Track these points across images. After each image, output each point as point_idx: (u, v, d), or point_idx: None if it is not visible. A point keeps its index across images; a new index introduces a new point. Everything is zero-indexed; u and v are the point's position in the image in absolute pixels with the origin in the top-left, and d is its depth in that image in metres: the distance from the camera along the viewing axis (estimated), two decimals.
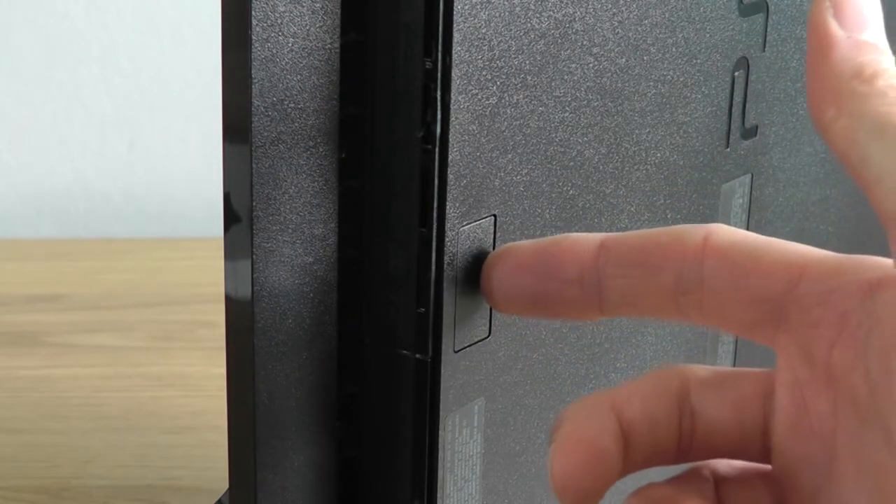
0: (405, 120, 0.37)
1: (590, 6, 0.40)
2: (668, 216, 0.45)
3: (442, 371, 0.38)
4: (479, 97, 0.37)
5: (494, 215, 0.39)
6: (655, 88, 0.43)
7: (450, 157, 0.37)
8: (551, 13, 0.39)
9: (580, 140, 0.41)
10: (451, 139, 0.37)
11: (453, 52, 0.36)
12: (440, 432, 0.39)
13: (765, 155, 0.49)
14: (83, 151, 1.03)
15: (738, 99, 0.47)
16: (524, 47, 0.38)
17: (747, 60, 0.47)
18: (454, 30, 0.36)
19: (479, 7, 0.37)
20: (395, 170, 0.37)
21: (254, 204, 0.35)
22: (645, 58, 0.43)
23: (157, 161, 1.03)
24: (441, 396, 0.39)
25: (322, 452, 0.39)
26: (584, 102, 0.41)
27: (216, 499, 0.56)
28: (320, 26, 0.36)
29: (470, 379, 0.39)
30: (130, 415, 0.75)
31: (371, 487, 0.40)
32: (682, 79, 0.44)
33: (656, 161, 0.44)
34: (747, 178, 0.48)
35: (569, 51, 0.40)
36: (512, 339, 0.41)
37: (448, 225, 0.37)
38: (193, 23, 1.01)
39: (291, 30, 0.35)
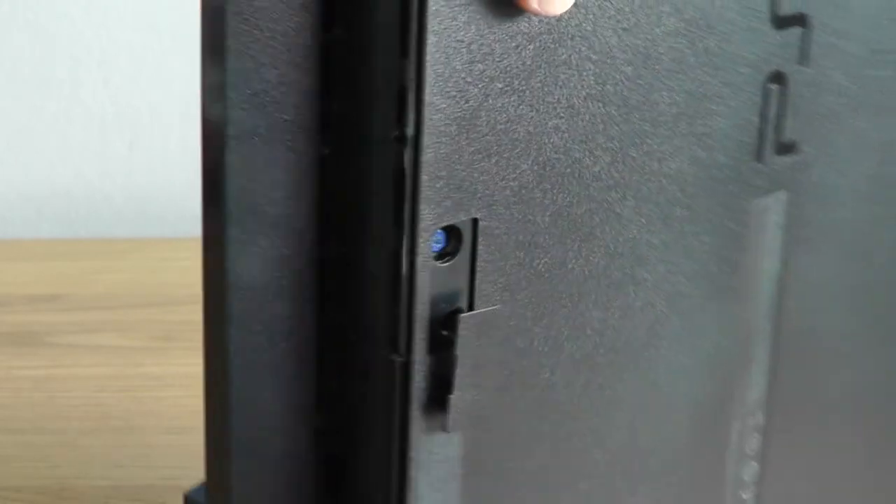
0: (382, 119, 0.37)
1: (588, 12, 0.40)
2: (687, 228, 0.45)
3: (414, 372, 0.38)
4: (458, 99, 0.37)
5: (476, 219, 0.39)
6: (670, 98, 0.43)
7: (423, 158, 0.37)
8: (543, 16, 0.39)
9: (578, 147, 0.41)
10: (424, 141, 0.37)
11: (427, 53, 0.36)
12: (412, 433, 0.39)
13: (805, 172, 0.47)
14: (83, 151, 1.03)
15: (771, 113, 0.46)
16: (511, 50, 0.38)
17: (783, 74, 0.45)
18: (428, 31, 0.36)
19: (457, 9, 0.36)
20: (373, 168, 0.38)
21: (227, 194, 0.36)
22: (657, 67, 0.42)
23: (157, 161, 1.03)
24: (413, 397, 0.39)
25: (300, 445, 0.39)
26: (583, 109, 0.40)
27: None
28: (301, 22, 0.36)
29: (445, 381, 0.39)
30: (130, 415, 0.75)
31: (348, 483, 0.41)
32: (701, 90, 0.43)
33: (671, 172, 0.43)
34: (783, 194, 0.47)
35: (564, 55, 0.39)
36: (495, 342, 0.40)
37: (421, 226, 0.37)
38: (194, 23, 1.00)
39: (270, 25, 0.35)
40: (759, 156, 0.45)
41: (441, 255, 0.39)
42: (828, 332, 0.50)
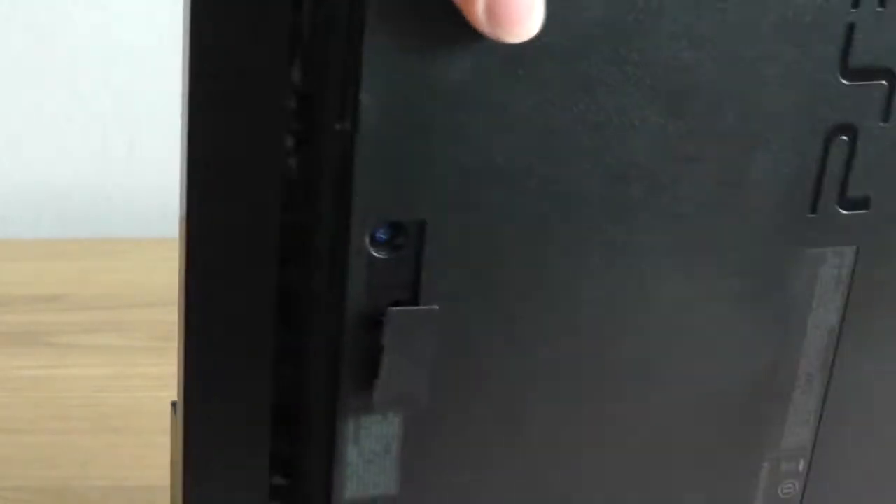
0: (330, 111, 0.38)
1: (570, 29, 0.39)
2: (709, 268, 0.44)
3: (344, 352, 0.40)
4: (399, 101, 0.38)
5: (423, 219, 0.39)
6: (680, 131, 0.42)
7: (358, 154, 0.38)
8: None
9: (555, 161, 0.41)
10: (358, 137, 0.38)
11: (364, 52, 0.37)
12: (338, 406, 0.41)
13: (878, 229, 0.45)
14: (83, 151, 1.03)
15: (834, 166, 0.44)
16: (462, 61, 0.38)
17: (855, 127, 0.43)
18: (366, 30, 0.37)
19: (401, 11, 0.37)
20: (324, 159, 0.39)
21: (189, 159, 0.38)
22: (685, 105, 0.41)
23: (156, 161, 1.03)
24: (342, 374, 0.40)
25: (255, 392, 0.41)
26: (563, 133, 0.40)
27: None
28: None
29: (373, 365, 0.40)
30: (130, 415, 0.75)
31: (295, 439, 0.42)
32: (739, 132, 0.42)
33: (686, 207, 0.43)
34: (849, 250, 0.45)
35: (533, 73, 0.39)
36: (430, 338, 0.41)
37: (356, 217, 0.38)
38: None
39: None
40: (814, 207, 0.44)
41: (385, 248, 0.40)
42: (885, 390, 0.48)
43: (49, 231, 1.04)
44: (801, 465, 0.48)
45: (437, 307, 0.40)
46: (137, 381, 0.79)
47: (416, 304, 0.40)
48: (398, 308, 0.40)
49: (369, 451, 0.42)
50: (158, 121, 1.02)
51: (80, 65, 1.01)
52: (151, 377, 0.79)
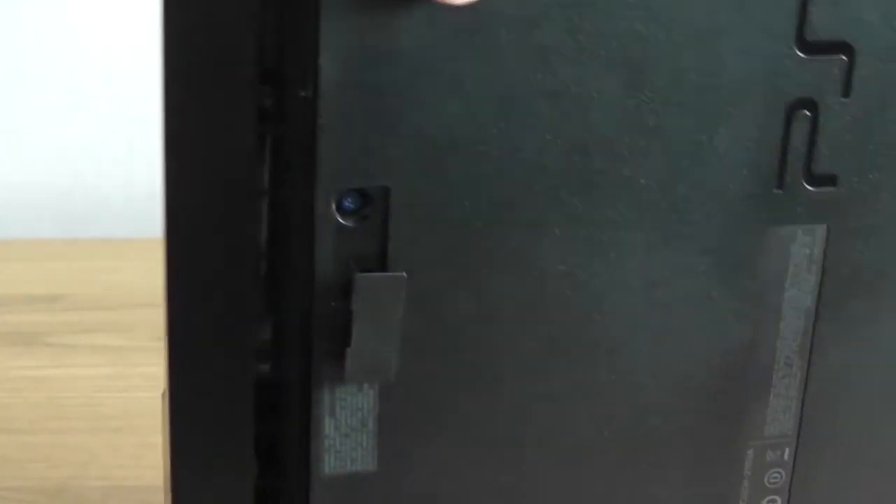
0: (294, 80, 0.39)
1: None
2: (674, 243, 0.44)
3: (315, 320, 0.40)
4: (360, 69, 0.39)
5: (387, 188, 0.40)
6: (647, 109, 0.42)
7: (320, 121, 0.39)
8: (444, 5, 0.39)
9: (510, 139, 0.41)
10: (320, 104, 0.39)
11: (322, 9, 0.38)
12: (313, 376, 0.41)
13: (849, 208, 0.45)
14: (83, 152, 1.03)
15: (797, 142, 0.44)
16: (418, 29, 0.39)
17: (815, 102, 0.43)
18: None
19: None
20: (291, 129, 0.40)
21: (166, 134, 0.40)
22: (639, 75, 0.42)
23: (156, 161, 1.03)
24: (314, 344, 0.41)
25: (238, 366, 0.41)
26: (521, 103, 0.41)
27: None
28: None
29: (345, 334, 0.41)
30: (129, 415, 0.75)
31: (278, 410, 0.43)
32: (699, 105, 0.43)
33: (652, 181, 0.43)
34: (819, 228, 0.45)
35: (491, 42, 0.40)
36: (398, 304, 0.41)
37: (322, 183, 0.39)
38: None
39: None
40: (780, 183, 0.44)
41: (353, 217, 0.40)
42: (866, 374, 0.48)
43: (49, 231, 1.04)
44: (787, 454, 0.48)
45: (404, 274, 0.41)
46: (137, 382, 0.79)
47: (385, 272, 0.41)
48: (366, 274, 0.40)
49: (346, 425, 0.42)
50: (158, 121, 1.02)
51: (79, 65, 1.01)
52: (151, 377, 0.79)
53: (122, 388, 0.78)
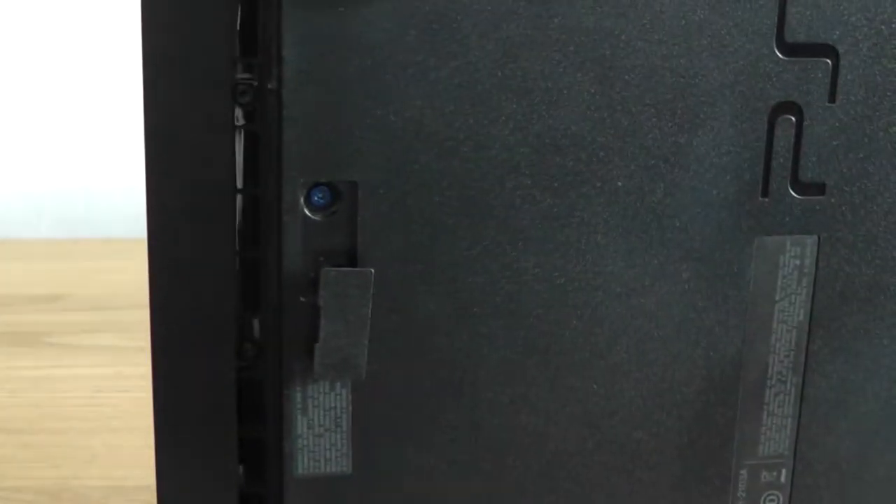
0: (264, 74, 0.39)
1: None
2: (661, 250, 0.43)
3: (284, 314, 0.41)
4: (325, 63, 0.39)
5: (354, 182, 0.40)
6: (629, 109, 0.42)
7: (285, 113, 0.39)
8: None
9: (480, 135, 0.41)
10: (284, 96, 0.39)
11: (284, 9, 0.38)
12: (283, 372, 0.41)
13: (841, 218, 0.44)
14: (84, 151, 1.03)
15: (782, 148, 0.43)
16: (384, 21, 0.39)
17: (798, 106, 0.43)
18: None
19: None
20: (262, 123, 0.40)
21: (150, 129, 0.39)
22: (610, 73, 0.41)
23: None
24: (284, 338, 0.41)
25: (222, 363, 0.41)
26: (491, 98, 0.41)
27: None
28: None
29: (313, 329, 0.41)
30: (130, 415, 0.75)
31: (258, 409, 0.43)
32: (675, 106, 0.42)
33: (629, 185, 0.42)
34: (809, 239, 0.44)
35: (458, 34, 0.40)
36: (365, 300, 0.41)
37: (286, 175, 0.40)
38: None
39: None
40: (765, 191, 0.43)
41: (321, 210, 0.40)
42: (864, 392, 0.46)
43: (49, 231, 1.04)
44: (784, 475, 0.47)
45: (371, 270, 0.41)
46: (137, 382, 0.79)
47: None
48: (332, 269, 0.40)
49: (319, 425, 0.42)
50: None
51: (81, 66, 1.01)
52: (150, 377, 0.79)
53: (123, 388, 0.78)
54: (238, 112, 0.40)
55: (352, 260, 0.41)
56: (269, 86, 0.39)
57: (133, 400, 0.76)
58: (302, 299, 0.41)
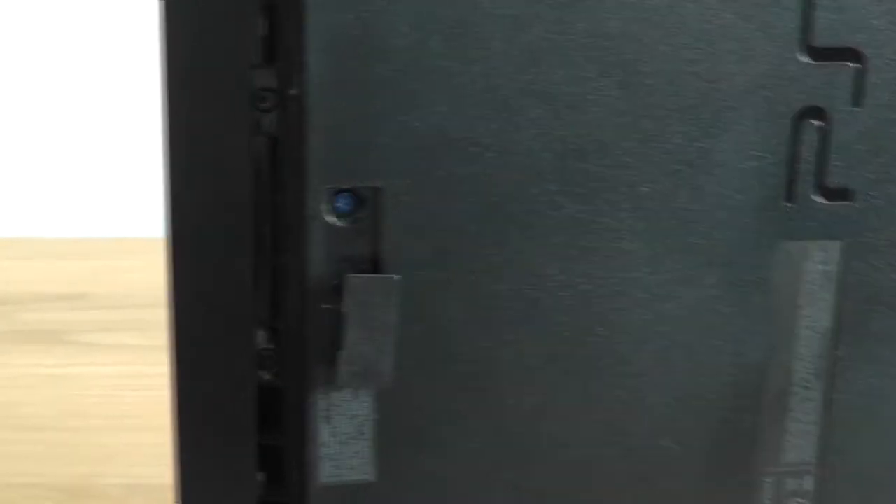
0: (286, 79, 0.39)
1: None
2: (686, 256, 0.43)
3: (308, 315, 0.40)
4: (348, 67, 0.39)
5: (379, 188, 0.40)
6: (647, 116, 0.42)
7: (308, 119, 0.39)
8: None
9: (508, 133, 0.41)
10: (308, 102, 0.39)
11: (308, 17, 0.38)
12: (307, 380, 0.41)
13: (868, 224, 0.44)
14: (106, 150, 1.03)
15: (807, 153, 0.43)
16: (404, 22, 0.39)
17: (824, 111, 0.42)
18: None
19: None
20: (287, 125, 0.40)
21: (171, 134, 0.39)
22: (632, 77, 0.41)
23: None
24: (308, 346, 0.41)
25: (242, 371, 0.41)
26: (513, 102, 0.40)
27: None
28: None
29: (337, 337, 0.40)
30: (150, 413, 0.75)
31: (279, 416, 0.42)
32: (699, 111, 0.42)
33: (651, 190, 0.42)
34: (834, 244, 0.44)
35: (480, 35, 0.40)
36: (391, 308, 0.41)
37: (311, 182, 0.39)
38: None
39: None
40: (790, 196, 0.43)
41: (346, 217, 0.40)
42: (894, 398, 0.46)
43: (70, 229, 1.04)
44: (809, 483, 0.46)
45: (396, 276, 0.40)
46: (157, 380, 0.78)
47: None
48: (356, 275, 0.40)
49: (343, 433, 0.42)
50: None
51: (100, 65, 1.02)
52: None
53: (143, 386, 0.78)
54: (260, 118, 0.40)
55: (376, 266, 0.41)
56: (292, 92, 0.39)
57: (152, 398, 0.77)
58: (325, 306, 0.40)
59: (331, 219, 0.40)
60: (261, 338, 0.42)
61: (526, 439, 0.44)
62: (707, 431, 0.45)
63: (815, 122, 0.43)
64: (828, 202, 0.43)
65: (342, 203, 0.40)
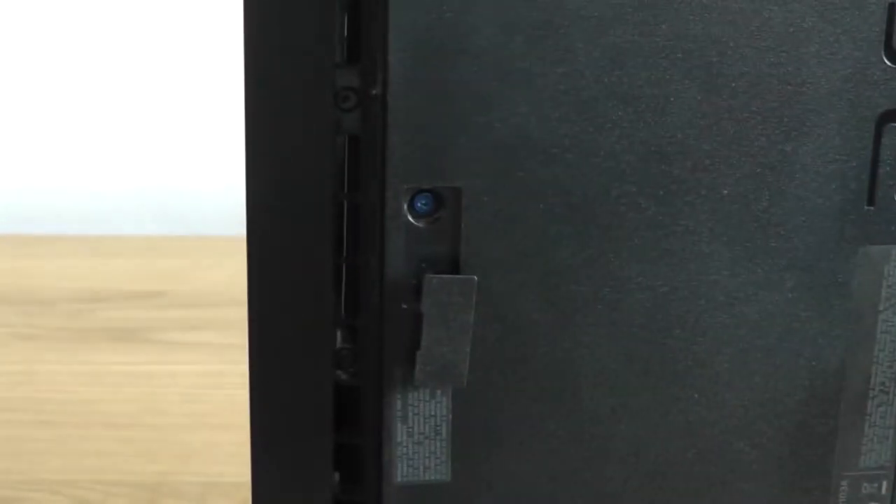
0: (367, 79, 0.39)
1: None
2: (765, 259, 0.43)
3: (386, 315, 0.41)
4: (430, 66, 0.39)
5: (458, 189, 0.40)
6: (733, 116, 0.41)
7: (390, 118, 0.39)
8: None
9: (589, 134, 0.41)
10: (390, 102, 0.39)
11: (391, 7, 0.38)
12: (384, 379, 0.41)
13: None
14: (187, 151, 1.04)
15: (888, 156, 0.43)
16: (488, 22, 0.39)
17: None
18: None
19: None
20: (367, 125, 0.40)
21: (251, 133, 0.39)
22: (713, 81, 0.41)
23: None
24: (386, 345, 0.41)
25: (320, 369, 0.41)
26: (597, 104, 0.40)
27: None
28: None
29: (415, 336, 0.41)
30: (228, 412, 0.75)
31: (355, 415, 0.42)
32: (781, 114, 0.42)
33: (732, 193, 0.42)
34: None
35: (567, 38, 0.39)
36: (468, 308, 0.41)
37: (390, 182, 0.39)
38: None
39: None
40: (872, 199, 0.43)
41: (425, 217, 0.40)
42: None
43: (151, 228, 1.05)
44: (885, 487, 0.46)
45: (475, 277, 0.40)
46: (235, 379, 0.79)
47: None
48: (436, 276, 0.40)
49: (419, 433, 0.42)
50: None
51: (181, 64, 1.02)
52: None
53: (222, 384, 0.79)
54: (341, 117, 0.40)
55: (454, 267, 0.41)
56: (374, 91, 0.39)
57: (231, 397, 0.77)
58: (404, 306, 0.41)
59: (410, 219, 0.40)
60: (339, 337, 0.42)
61: (602, 441, 0.44)
62: (784, 435, 0.45)
63: None
64: None
65: (422, 203, 0.40)
